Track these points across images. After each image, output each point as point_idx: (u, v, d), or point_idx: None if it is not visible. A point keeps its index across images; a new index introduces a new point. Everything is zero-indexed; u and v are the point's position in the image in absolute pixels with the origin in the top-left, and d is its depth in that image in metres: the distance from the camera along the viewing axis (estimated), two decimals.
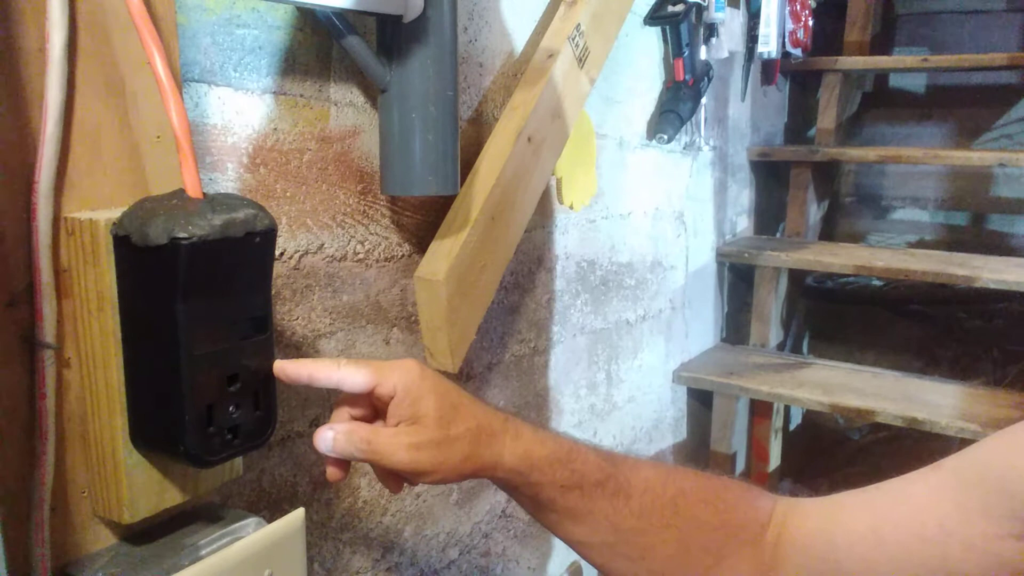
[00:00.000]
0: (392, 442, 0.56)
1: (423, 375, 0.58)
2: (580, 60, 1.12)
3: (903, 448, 2.18)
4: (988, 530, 0.51)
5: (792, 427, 2.29)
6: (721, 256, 1.87)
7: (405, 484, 0.61)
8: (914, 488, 0.57)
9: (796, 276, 2.17)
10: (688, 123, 1.54)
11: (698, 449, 1.84)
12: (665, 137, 1.45)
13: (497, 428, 0.60)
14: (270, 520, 0.64)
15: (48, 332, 0.55)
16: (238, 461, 0.64)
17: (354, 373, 0.57)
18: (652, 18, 1.41)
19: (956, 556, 0.52)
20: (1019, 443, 0.52)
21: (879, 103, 2.37)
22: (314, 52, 0.82)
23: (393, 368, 0.58)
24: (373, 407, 0.60)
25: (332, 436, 0.56)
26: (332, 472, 0.60)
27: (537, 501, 0.62)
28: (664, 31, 1.46)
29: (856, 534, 0.57)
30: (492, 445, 0.59)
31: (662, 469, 0.66)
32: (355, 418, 0.59)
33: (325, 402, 0.89)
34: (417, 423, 0.57)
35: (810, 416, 2.37)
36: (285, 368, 0.58)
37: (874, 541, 0.56)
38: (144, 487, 0.58)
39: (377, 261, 0.93)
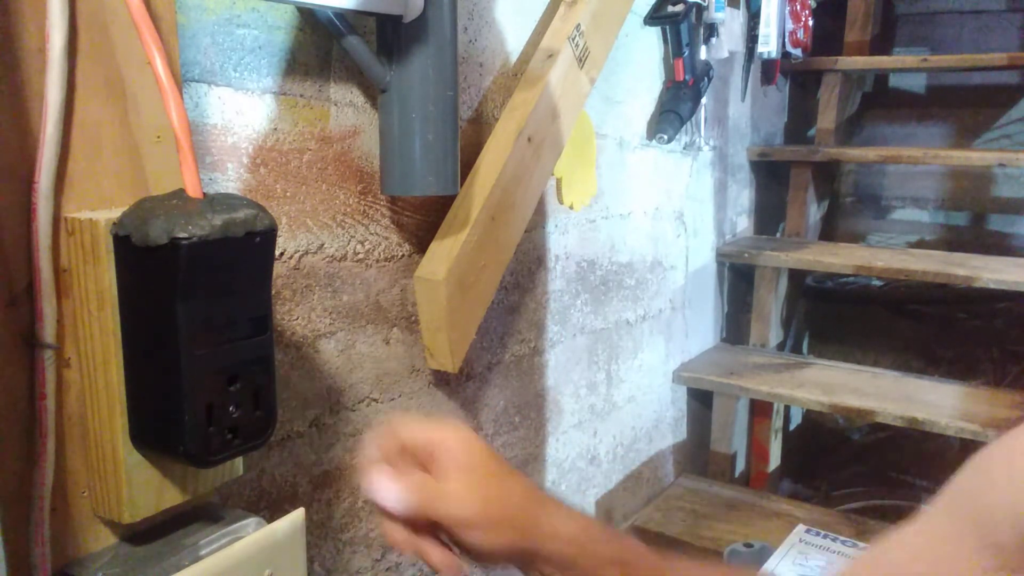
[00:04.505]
0: (451, 488, 0.52)
1: (474, 435, 0.55)
2: (580, 60, 1.12)
3: (903, 448, 2.18)
4: (985, 566, 0.51)
5: (792, 427, 2.28)
6: (721, 256, 1.86)
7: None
8: (915, 541, 0.56)
9: (796, 276, 2.16)
10: (688, 123, 1.54)
11: (698, 449, 1.84)
12: (665, 137, 1.45)
13: (544, 496, 0.57)
14: (270, 520, 0.64)
15: (48, 332, 0.55)
16: (238, 461, 0.64)
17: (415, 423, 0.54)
18: (652, 18, 1.41)
19: None
20: (998, 469, 0.52)
21: (879, 103, 2.37)
22: (314, 52, 0.82)
23: (446, 424, 0.55)
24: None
25: (398, 487, 0.50)
26: (400, 537, 0.53)
27: None
28: (664, 31, 1.46)
29: None
30: (546, 507, 0.55)
31: (695, 566, 0.63)
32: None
33: (325, 402, 0.89)
34: (475, 471, 0.53)
35: (810, 416, 2.36)
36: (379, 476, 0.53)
37: None
38: (144, 487, 0.58)
39: (377, 261, 0.93)
